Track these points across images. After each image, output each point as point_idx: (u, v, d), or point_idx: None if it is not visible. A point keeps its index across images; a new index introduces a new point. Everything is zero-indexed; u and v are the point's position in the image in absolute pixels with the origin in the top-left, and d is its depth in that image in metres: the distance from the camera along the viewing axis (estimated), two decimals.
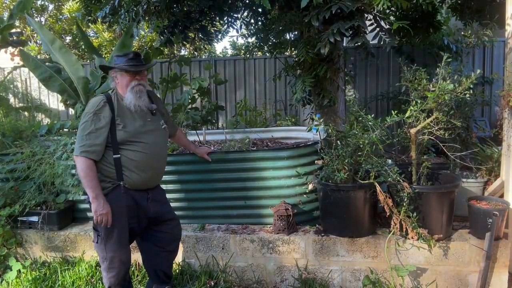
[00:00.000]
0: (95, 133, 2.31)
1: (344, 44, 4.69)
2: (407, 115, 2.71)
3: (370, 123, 2.77)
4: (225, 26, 5.57)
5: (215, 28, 5.53)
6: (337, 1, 3.08)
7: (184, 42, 5.18)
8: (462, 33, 5.87)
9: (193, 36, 5.26)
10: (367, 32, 3.39)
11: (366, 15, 3.42)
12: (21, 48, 5.72)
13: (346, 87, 4.19)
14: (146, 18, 4.62)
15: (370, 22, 3.45)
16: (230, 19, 5.20)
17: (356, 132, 2.76)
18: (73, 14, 10.04)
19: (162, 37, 4.75)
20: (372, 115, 2.83)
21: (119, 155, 2.36)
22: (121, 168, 2.36)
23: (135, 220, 2.46)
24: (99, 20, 5.32)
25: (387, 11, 3.00)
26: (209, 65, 5.51)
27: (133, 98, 2.40)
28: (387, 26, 3.38)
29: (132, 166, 2.38)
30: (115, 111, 2.37)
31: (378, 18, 3.32)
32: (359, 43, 3.25)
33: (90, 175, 2.28)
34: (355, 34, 3.26)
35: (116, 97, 2.44)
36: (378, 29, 3.33)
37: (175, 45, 5.34)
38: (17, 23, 9.43)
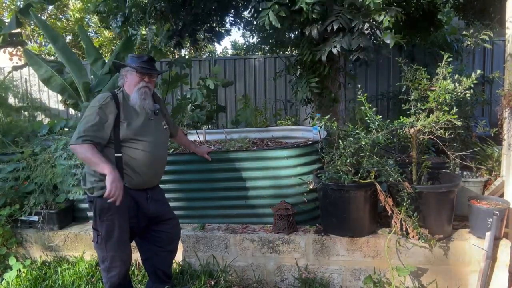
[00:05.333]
0: (98, 126, 2.30)
1: None
2: (420, 124, 2.68)
3: (376, 123, 2.75)
4: (228, 25, 5.60)
5: (224, 29, 5.56)
6: (337, 13, 3.08)
7: (195, 45, 5.21)
8: (464, 32, 5.87)
9: (202, 38, 5.29)
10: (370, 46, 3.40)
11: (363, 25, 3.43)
12: (26, 48, 5.73)
13: (349, 85, 4.19)
14: (155, 24, 4.65)
15: (367, 32, 3.45)
16: (234, 19, 5.22)
17: (359, 132, 2.76)
18: (76, 15, 10.05)
19: (169, 41, 4.78)
20: (380, 116, 2.81)
21: (121, 154, 2.36)
22: (122, 167, 2.36)
23: (134, 220, 2.46)
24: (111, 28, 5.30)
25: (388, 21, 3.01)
26: (219, 68, 5.50)
27: (138, 98, 2.42)
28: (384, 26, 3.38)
29: (133, 165, 2.38)
30: (120, 108, 2.38)
31: (374, 26, 3.33)
32: (360, 57, 3.28)
33: (98, 154, 2.24)
34: (357, 48, 3.26)
35: (122, 95, 2.45)
36: (373, 38, 3.35)
37: (182, 46, 5.37)
38: None
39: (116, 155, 2.35)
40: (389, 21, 2.90)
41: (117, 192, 2.20)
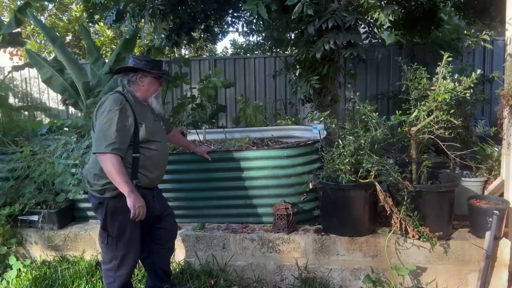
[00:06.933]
0: (123, 131, 2.29)
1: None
2: (413, 115, 2.69)
3: (374, 121, 2.75)
4: (227, 26, 5.59)
5: (220, 28, 5.56)
6: (333, 11, 3.08)
7: (192, 43, 5.22)
8: (465, 32, 5.87)
9: (198, 37, 5.29)
10: (361, 43, 3.39)
11: (360, 22, 3.43)
12: (28, 49, 5.74)
13: (348, 85, 4.19)
14: (152, 22, 4.64)
15: (364, 30, 3.45)
16: (232, 19, 5.22)
17: (358, 131, 2.75)
18: (77, 15, 10.05)
19: (167, 40, 4.77)
20: (376, 114, 2.81)
21: (138, 154, 2.38)
22: (138, 167, 2.38)
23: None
24: (102, 21, 5.32)
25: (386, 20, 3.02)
26: (219, 68, 5.50)
27: (157, 104, 2.51)
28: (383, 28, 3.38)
29: (148, 164, 2.42)
30: (134, 110, 2.38)
31: (371, 25, 3.32)
32: (353, 53, 3.27)
33: (123, 171, 2.25)
34: (348, 45, 3.26)
35: (130, 96, 2.44)
36: (370, 36, 3.35)
37: (180, 45, 5.38)
38: None
39: (133, 155, 2.37)
40: (384, 17, 2.90)
41: (142, 212, 2.29)
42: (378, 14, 2.94)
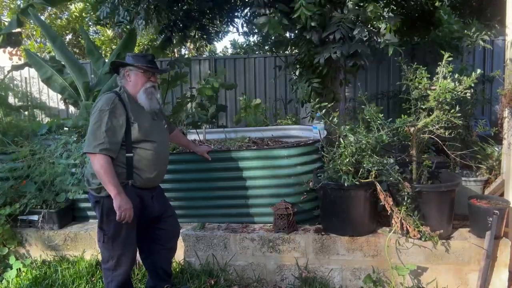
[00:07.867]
0: (112, 131, 2.29)
1: None
2: (420, 124, 2.69)
3: (378, 121, 2.74)
4: (225, 26, 5.59)
5: (216, 28, 5.54)
6: (338, 22, 3.08)
7: (185, 41, 5.21)
8: (465, 31, 5.87)
9: (193, 35, 5.27)
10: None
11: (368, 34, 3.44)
12: (27, 48, 5.75)
13: (349, 84, 4.19)
14: (147, 18, 4.63)
15: (366, 38, 3.46)
16: (230, 19, 5.21)
17: (360, 131, 2.75)
18: (76, 14, 10.03)
19: (161, 36, 4.77)
20: (382, 115, 2.81)
21: (132, 154, 2.37)
22: (132, 167, 2.37)
23: (139, 218, 2.47)
24: (101, 19, 5.31)
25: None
26: (223, 70, 5.51)
27: (145, 99, 2.44)
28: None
29: (143, 165, 2.40)
30: (128, 109, 2.37)
31: (372, 33, 3.34)
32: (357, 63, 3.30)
33: (111, 171, 2.25)
34: (353, 54, 3.28)
35: (126, 95, 2.43)
36: (372, 44, 3.37)
37: (174, 43, 5.35)
38: None
39: (127, 155, 2.36)
40: (391, 28, 2.91)
41: (127, 215, 2.27)
42: (384, 25, 2.95)
